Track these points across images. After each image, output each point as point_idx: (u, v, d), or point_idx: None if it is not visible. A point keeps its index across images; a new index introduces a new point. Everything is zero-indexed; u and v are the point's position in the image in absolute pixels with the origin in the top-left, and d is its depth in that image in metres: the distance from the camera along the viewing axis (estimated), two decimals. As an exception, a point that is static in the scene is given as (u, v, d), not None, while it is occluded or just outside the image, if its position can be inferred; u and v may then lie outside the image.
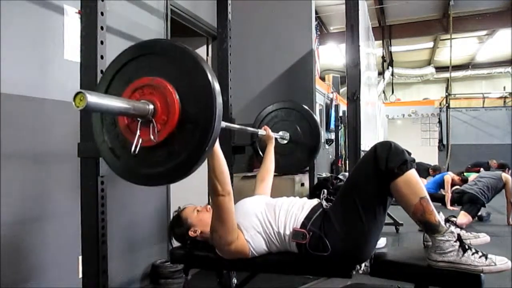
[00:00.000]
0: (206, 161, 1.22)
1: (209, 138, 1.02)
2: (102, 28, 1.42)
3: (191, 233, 1.63)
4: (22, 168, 1.97)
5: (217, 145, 1.32)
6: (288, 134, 2.45)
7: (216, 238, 1.50)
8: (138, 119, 1.04)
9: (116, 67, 1.16)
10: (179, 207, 1.75)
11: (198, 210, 1.68)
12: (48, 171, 2.11)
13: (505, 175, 4.97)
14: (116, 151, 1.15)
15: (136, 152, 1.03)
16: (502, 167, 6.08)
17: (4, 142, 1.86)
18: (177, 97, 1.04)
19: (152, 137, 1.03)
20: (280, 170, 2.37)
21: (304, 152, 2.45)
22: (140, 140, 1.04)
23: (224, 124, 1.64)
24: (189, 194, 2.87)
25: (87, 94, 0.84)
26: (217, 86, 1.04)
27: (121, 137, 1.12)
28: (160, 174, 1.08)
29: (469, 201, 4.78)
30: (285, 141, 2.45)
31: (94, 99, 0.86)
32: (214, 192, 1.41)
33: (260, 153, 2.41)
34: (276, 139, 2.31)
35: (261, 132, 2.22)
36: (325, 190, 1.65)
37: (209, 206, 1.64)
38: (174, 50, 1.08)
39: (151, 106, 1.03)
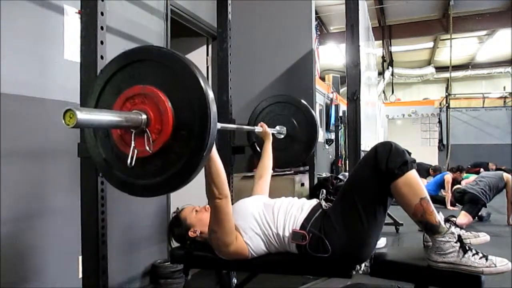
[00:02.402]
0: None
1: (205, 144, 1.00)
2: (102, 28, 1.42)
3: (191, 233, 1.62)
4: (22, 168, 1.97)
5: (213, 148, 1.31)
6: (284, 128, 2.40)
7: (214, 240, 1.50)
8: (132, 130, 1.02)
9: (106, 77, 1.14)
10: (178, 208, 1.74)
11: (196, 210, 1.68)
12: (48, 171, 2.11)
13: (506, 175, 4.95)
14: (112, 163, 1.12)
15: (133, 164, 1.01)
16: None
17: (4, 142, 1.86)
18: (170, 105, 1.01)
19: (147, 147, 1.01)
20: (279, 165, 2.34)
21: (301, 145, 2.40)
22: (136, 151, 1.02)
23: (219, 125, 1.62)
24: (189, 194, 2.86)
25: (76, 111, 0.82)
26: (209, 91, 1.02)
27: (115, 149, 1.10)
28: (158, 184, 1.06)
29: (470, 201, 4.77)
30: (282, 136, 2.40)
31: (84, 115, 0.84)
32: (211, 196, 1.40)
33: (258, 149, 2.38)
34: (273, 134, 2.27)
35: (257, 129, 2.19)
36: (324, 190, 1.65)
37: (208, 206, 1.64)
38: (163, 56, 1.06)
39: (144, 116, 1.01)
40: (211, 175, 1.36)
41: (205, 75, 3.88)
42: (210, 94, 1.02)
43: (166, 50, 1.08)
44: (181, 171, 1.02)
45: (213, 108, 1.02)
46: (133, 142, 1.01)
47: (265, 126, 2.21)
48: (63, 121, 0.83)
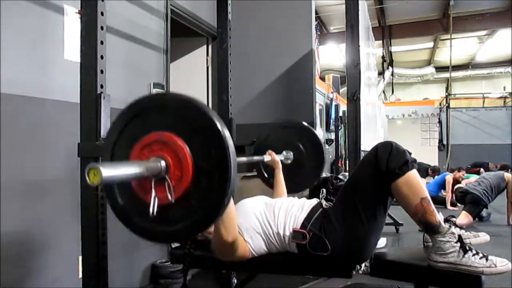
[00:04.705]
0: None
1: (227, 190, 0.98)
2: (102, 28, 1.42)
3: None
4: (22, 169, 1.97)
5: None
6: (291, 153, 2.36)
7: (218, 254, 1.50)
8: (152, 178, 0.99)
9: (121, 125, 1.11)
10: None
11: None
12: (48, 171, 2.11)
13: (507, 175, 4.95)
14: (130, 210, 1.10)
15: (155, 213, 0.99)
16: (503, 168, 6.08)
17: (4, 142, 1.86)
18: (188, 151, 0.99)
19: (168, 195, 0.99)
20: (290, 191, 2.33)
21: (310, 168, 2.36)
22: (157, 199, 1.00)
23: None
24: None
25: (101, 169, 0.80)
26: (227, 135, 0.99)
27: (134, 196, 1.07)
28: (179, 231, 1.04)
29: (472, 202, 4.76)
30: (289, 161, 2.35)
31: (108, 172, 0.83)
32: (217, 235, 1.38)
33: (265, 175, 2.36)
34: (281, 161, 2.24)
35: (266, 158, 2.17)
36: (324, 190, 1.65)
37: None
38: (178, 104, 1.04)
39: (163, 163, 0.99)
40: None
41: (205, 74, 3.90)
42: (229, 140, 0.99)
43: (180, 96, 1.05)
44: (202, 217, 1.01)
45: (232, 153, 0.99)
46: (153, 191, 0.99)
47: (273, 154, 2.18)
48: (88, 180, 0.81)
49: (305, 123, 2.44)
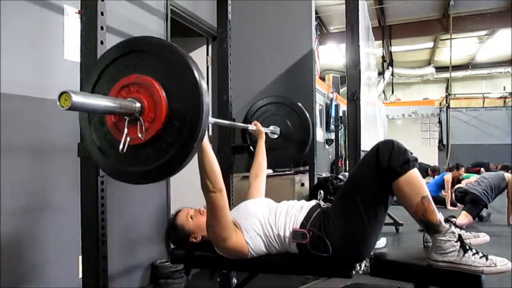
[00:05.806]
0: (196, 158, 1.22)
1: (197, 135, 1.01)
2: (102, 28, 1.42)
3: (192, 240, 1.62)
4: (22, 169, 1.97)
5: (206, 142, 1.32)
6: (278, 128, 2.42)
7: (211, 234, 1.50)
8: (126, 117, 1.03)
9: (102, 65, 1.15)
10: (172, 215, 1.74)
11: (191, 216, 1.65)
12: (48, 172, 2.11)
13: (507, 175, 4.94)
14: (105, 150, 1.14)
15: (124, 150, 1.03)
16: (504, 169, 6.08)
17: (4, 142, 1.86)
18: (164, 94, 1.03)
19: (140, 135, 1.03)
20: (271, 165, 2.35)
21: (294, 146, 2.43)
22: (128, 138, 1.04)
23: (213, 120, 1.63)
24: (189, 193, 2.88)
25: (72, 94, 0.84)
26: (203, 82, 1.03)
27: (109, 136, 1.12)
28: (149, 172, 1.07)
29: (472, 202, 4.76)
30: (276, 136, 2.41)
31: (79, 98, 0.86)
32: (205, 189, 1.41)
33: (251, 148, 2.39)
34: (266, 133, 2.27)
35: (251, 127, 2.19)
36: (322, 191, 1.66)
37: (202, 209, 1.64)
38: (159, 47, 1.08)
39: (138, 104, 1.03)
40: (204, 169, 1.37)
41: (205, 75, 3.90)
42: (204, 86, 1.03)
43: (163, 41, 1.09)
44: (171, 160, 1.04)
45: (206, 99, 1.03)
46: (126, 129, 1.03)
47: (259, 124, 2.22)
48: (58, 104, 0.84)
49: (298, 103, 2.48)
